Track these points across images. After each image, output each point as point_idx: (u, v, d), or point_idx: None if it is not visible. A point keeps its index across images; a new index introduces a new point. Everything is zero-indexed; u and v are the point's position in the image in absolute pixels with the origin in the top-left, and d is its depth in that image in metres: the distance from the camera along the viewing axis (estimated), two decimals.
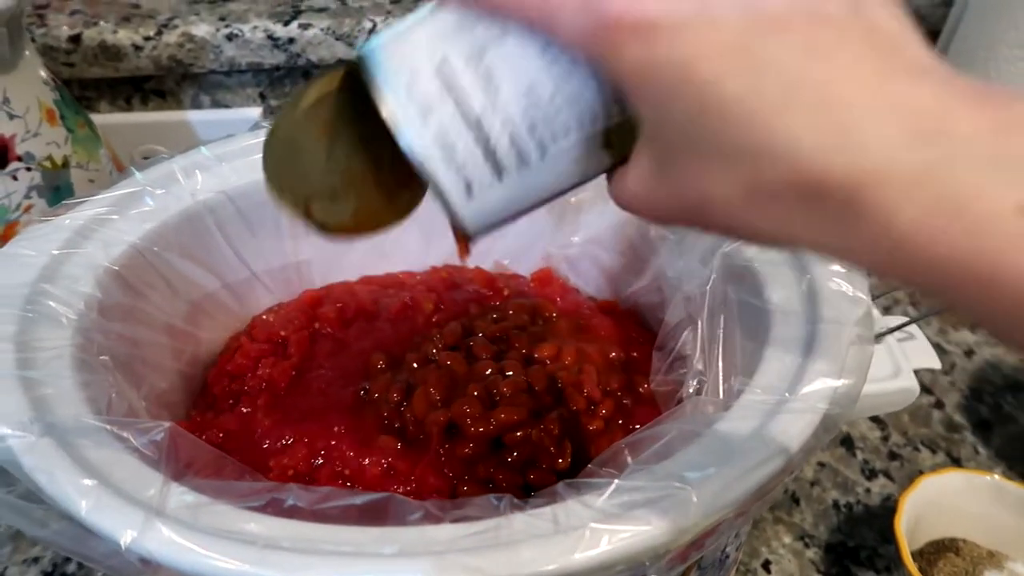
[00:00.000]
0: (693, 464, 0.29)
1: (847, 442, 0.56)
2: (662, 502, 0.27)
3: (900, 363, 0.41)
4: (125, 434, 0.30)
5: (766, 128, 0.19)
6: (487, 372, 0.40)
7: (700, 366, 0.37)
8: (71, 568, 0.46)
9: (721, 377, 0.36)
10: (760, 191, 0.19)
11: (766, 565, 0.48)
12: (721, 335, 0.37)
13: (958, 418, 0.58)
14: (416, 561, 0.25)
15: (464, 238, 0.28)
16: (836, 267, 0.37)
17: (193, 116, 0.59)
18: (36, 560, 0.46)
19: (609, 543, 0.26)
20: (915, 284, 0.18)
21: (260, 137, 0.44)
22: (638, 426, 0.39)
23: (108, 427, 0.30)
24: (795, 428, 0.30)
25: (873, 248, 0.18)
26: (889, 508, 0.51)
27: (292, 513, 0.28)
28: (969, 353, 0.63)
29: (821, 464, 0.54)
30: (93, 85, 0.67)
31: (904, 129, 0.17)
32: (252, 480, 0.32)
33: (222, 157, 0.43)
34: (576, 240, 0.48)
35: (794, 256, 0.38)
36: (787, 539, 0.49)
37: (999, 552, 0.46)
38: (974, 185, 0.17)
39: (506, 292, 0.47)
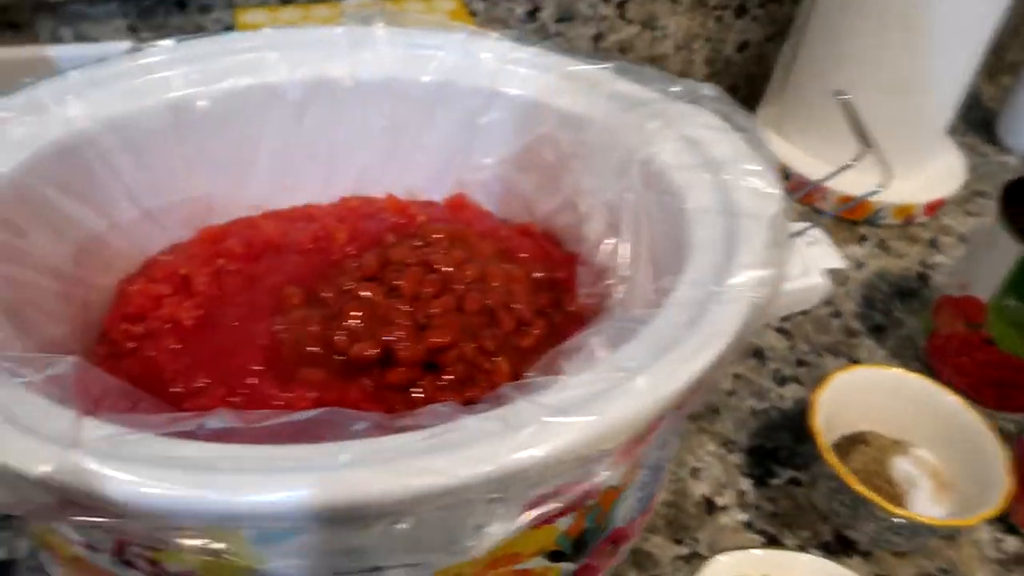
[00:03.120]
0: (635, 357, 0.29)
1: (758, 353, 0.57)
2: (610, 392, 0.27)
3: (808, 263, 0.42)
4: (25, 370, 0.26)
5: None
6: (413, 297, 0.38)
7: (627, 272, 0.37)
8: None
9: (650, 279, 0.36)
10: None
11: (694, 472, 0.49)
12: (644, 240, 0.37)
13: (855, 324, 0.61)
14: (373, 469, 0.24)
15: None
16: (749, 166, 0.37)
17: (54, 52, 0.54)
18: None
19: (563, 434, 0.26)
20: None
21: (137, 60, 0.41)
22: None
23: (5, 364, 0.26)
24: (728, 315, 0.30)
25: None
26: (801, 410, 0.54)
27: (224, 438, 0.26)
28: (860, 265, 0.66)
29: (737, 375, 0.56)
30: None
31: None
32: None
33: (96, 81, 0.39)
34: (488, 162, 0.47)
35: (706, 160, 0.38)
36: (711, 447, 0.51)
37: (903, 440, 0.49)
38: None
39: (421, 219, 0.45)
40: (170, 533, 0.25)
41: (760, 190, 0.36)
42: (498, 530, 0.27)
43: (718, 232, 0.35)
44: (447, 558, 0.28)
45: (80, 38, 0.57)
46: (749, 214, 0.35)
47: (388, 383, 0.35)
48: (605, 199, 0.40)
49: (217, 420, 0.26)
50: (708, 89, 0.38)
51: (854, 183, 0.40)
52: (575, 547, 0.35)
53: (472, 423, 0.26)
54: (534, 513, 0.28)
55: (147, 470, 0.23)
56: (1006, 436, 0.46)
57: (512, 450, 0.25)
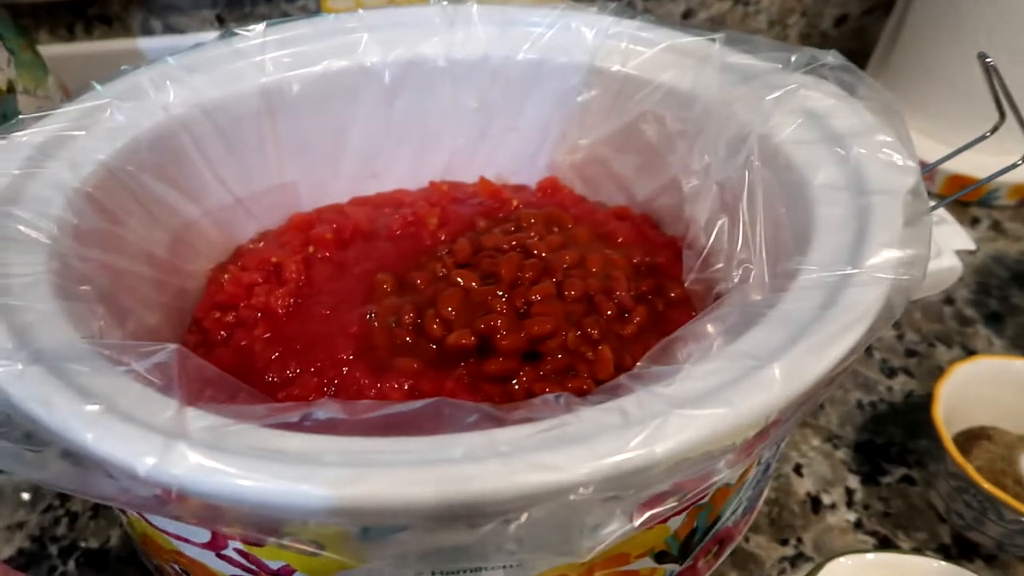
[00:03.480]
0: (764, 343, 0.27)
1: None
2: (741, 382, 0.25)
3: (941, 244, 0.39)
4: (126, 358, 0.26)
5: None
6: (511, 284, 0.37)
7: (744, 255, 0.34)
8: (60, 531, 0.42)
9: (768, 262, 0.33)
10: None
11: (798, 469, 0.46)
12: (763, 221, 0.35)
13: (969, 312, 0.57)
14: (487, 464, 0.22)
15: None
16: (879, 137, 0.34)
17: (144, 44, 0.54)
18: (21, 526, 0.42)
19: (688, 428, 0.24)
20: None
21: (232, 45, 0.40)
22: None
23: (106, 351, 0.26)
24: (868, 298, 0.28)
25: None
26: (912, 404, 0.50)
27: (328, 430, 0.25)
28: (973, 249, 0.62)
29: None
30: (29, 12, 0.60)
31: None
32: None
33: (192, 67, 0.39)
34: (584, 143, 0.45)
35: (831, 133, 0.35)
36: (815, 442, 0.48)
37: None
38: None
39: (515, 203, 0.44)
40: (273, 527, 0.24)
41: (893, 163, 0.33)
42: (613, 530, 0.25)
43: (848, 210, 0.32)
44: (556, 559, 0.26)
45: (169, 30, 0.58)
46: (882, 190, 0.32)
47: (486, 373, 0.34)
48: (717, 179, 0.38)
49: (323, 411, 0.25)
50: (831, 56, 0.35)
51: (967, 163, 0.37)
52: (683, 548, 0.33)
53: (590, 415, 0.24)
54: (650, 512, 0.26)
55: (252, 462, 0.22)
56: None
57: (634, 446, 0.23)
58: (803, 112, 0.35)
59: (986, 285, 0.59)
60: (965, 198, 0.65)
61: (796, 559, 0.42)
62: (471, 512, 0.23)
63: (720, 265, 0.36)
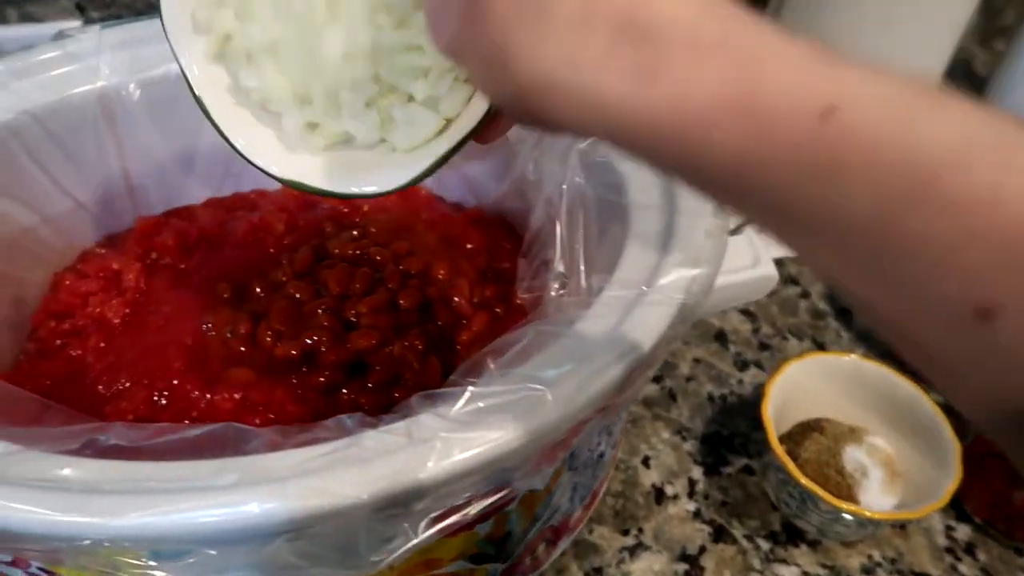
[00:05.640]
0: (550, 364, 0.28)
1: (720, 336, 0.57)
2: (516, 406, 0.26)
3: (760, 253, 0.41)
4: None
5: None
6: (340, 296, 0.38)
7: (561, 268, 0.36)
8: None
9: (583, 277, 0.35)
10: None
11: (645, 460, 0.49)
12: (582, 235, 0.36)
13: (822, 306, 0.60)
14: (255, 490, 0.23)
15: None
16: None
17: None
18: None
19: (462, 451, 0.25)
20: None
21: (66, 48, 0.40)
22: None
23: None
24: (651, 321, 0.29)
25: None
26: (760, 396, 0.53)
27: (116, 454, 0.25)
28: None
29: (697, 360, 0.55)
30: None
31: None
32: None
33: (21, 72, 0.38)
34: None
35: None
36: (665, 434, 0.50)
37: (859, 427, 0.48)
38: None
39: (366, 208, 0.44)
40: (63, 552, 0.24)
41: None
42: (401, 544, 0.26)
43: (655, 227, 0.34)
44: (349, 572, 0.27)
45: (26, 18, 0.56)
46: (688, 210, 0.34)
47: (311, 385, 0.35)
48: (547, 189, 0.39)
49: (110, 435, 0.25)
50: None
51: None
52: (499, 548, 0.35)
53: (373, 438, 0.26)
54: (441, 525, 0.27)
55: (28, 492, 0.23)
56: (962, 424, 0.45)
57: (411, 468, 0.25)
58: None
59: None
60: None
61: (635, 548, 0.45)
62: (243, 537, 0.24)
63: (546, 276, 0.38)
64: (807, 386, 0.48)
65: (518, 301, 0.41)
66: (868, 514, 0.42)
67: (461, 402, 0.27)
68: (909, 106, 0.16)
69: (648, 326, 0.29)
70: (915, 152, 0.16)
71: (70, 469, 0.24)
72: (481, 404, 0.27)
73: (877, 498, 0.45)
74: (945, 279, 0.16)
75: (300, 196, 0.45)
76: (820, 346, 0.57)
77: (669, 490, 0.48)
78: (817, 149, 0.17)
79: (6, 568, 0.30)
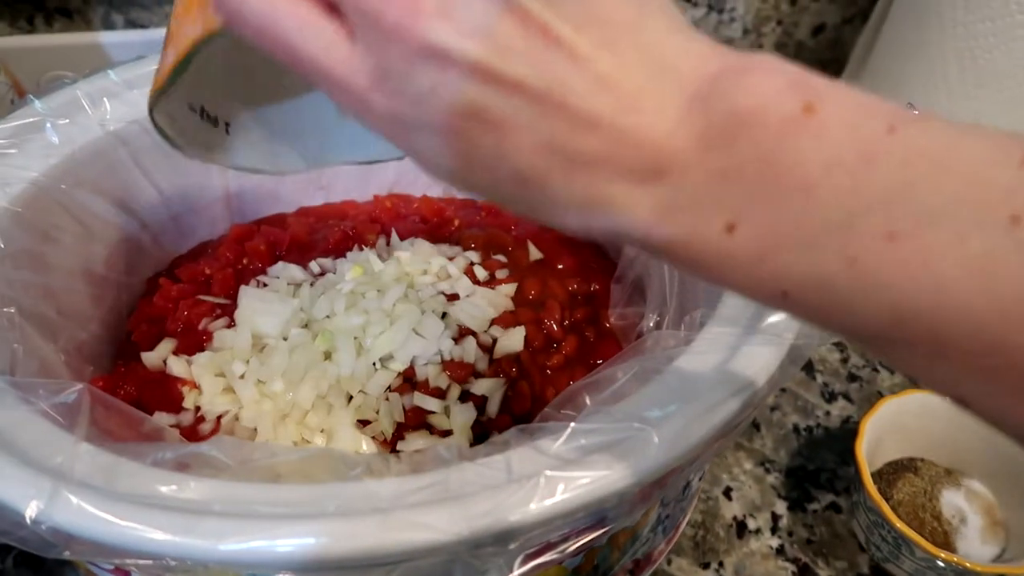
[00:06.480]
0: (654, 403, 0.27)
1: (807, 366, 0.55)
2: (621, 445, 0.26)
3: None
4: (33, 395, 0.27)
5: None
6: None
7: (660, 298, 0.35)
8: None
9: (681, 309, 0.34)
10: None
11: (727, 492, 0.47)
12: None
13: None
14: (360, 520, 0.23)
15: None
16: None
17: (105, 38, 0.54)
18: None
19: (566, 491, 0.24)
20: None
21: None
22: (600, 361, 0.38)
23: (12, 388, 0.27)
24: (760, 361, 0.28)
25: None
26: (848, 430, 0.51)
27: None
28: None
29: (782, 389, 0.53)
30: None
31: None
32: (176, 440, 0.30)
33: (133, 82, 0.39)
34: None
35: None
36: (748, 465, 0.49)
37: (956, 470, 0.46)
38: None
39: (456, 223, 0.44)
40: (169, 569, 0.25)
41: None
42: None
43: None
44: None
45: (131, 24, 0.58)
46: None
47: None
48: None
49: (212, 449, 0.26)
50: None
51: None
52: None
53: (473, 472, 0.25)
54: (535, 562, 0.27)
55: (136, 510, 0.23)
56: None
57: (513, 506, 0.24)
58: None
59: None
60: None
61: None
62: (345, 565, 0.24)
63: (644, 303, 0.37)
64: (902, 424, 0.46)
65: (607, 325, 0.41)
66: (968, 565, 0.40)
67: (563, 438, 0.26)
68: None
69: (756, 367, 0.28)
70: None
71: (177, 486, 0.24)
72: (583, 441, 0.26)
73: (976, 547, 0.43)
74: None
75: (391, 208, 0.45)
76: (912, 381, 0.54)
77: (751, 524, 0.46)
78: None
79: (105, 574, 0.30)
